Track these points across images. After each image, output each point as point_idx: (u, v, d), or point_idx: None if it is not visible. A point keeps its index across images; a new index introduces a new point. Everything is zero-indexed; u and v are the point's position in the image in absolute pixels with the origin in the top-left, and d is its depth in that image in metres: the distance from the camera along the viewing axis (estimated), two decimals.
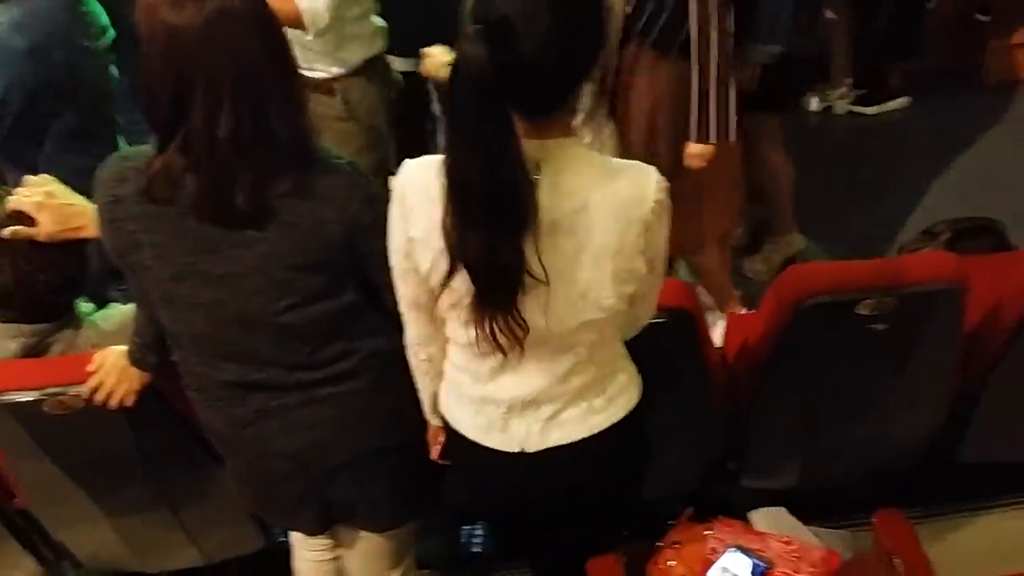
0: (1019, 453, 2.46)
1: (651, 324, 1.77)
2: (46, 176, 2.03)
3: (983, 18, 4.44)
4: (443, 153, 1.40)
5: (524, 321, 1.46)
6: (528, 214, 1.38)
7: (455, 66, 1.31)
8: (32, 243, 1.99)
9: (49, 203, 1.98)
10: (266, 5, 1.55)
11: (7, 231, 1.97)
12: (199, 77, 1.47)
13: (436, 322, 1.61)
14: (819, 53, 3.09)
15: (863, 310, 1.97)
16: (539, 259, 1.41)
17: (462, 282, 1.45)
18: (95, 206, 1.66)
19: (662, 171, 1.50)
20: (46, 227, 1.98)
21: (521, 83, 1.33)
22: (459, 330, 1.56)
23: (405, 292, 1.58)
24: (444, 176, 1.37)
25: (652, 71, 2.82)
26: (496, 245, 1.37)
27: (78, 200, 1.98)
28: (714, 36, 2.66)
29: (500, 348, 1.50)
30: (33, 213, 1.97)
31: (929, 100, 4.38)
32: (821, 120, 4.36)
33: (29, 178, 2.03)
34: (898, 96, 4.39)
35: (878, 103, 4.39)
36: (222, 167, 1.51)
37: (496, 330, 1.46)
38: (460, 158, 1.35)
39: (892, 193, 3.84)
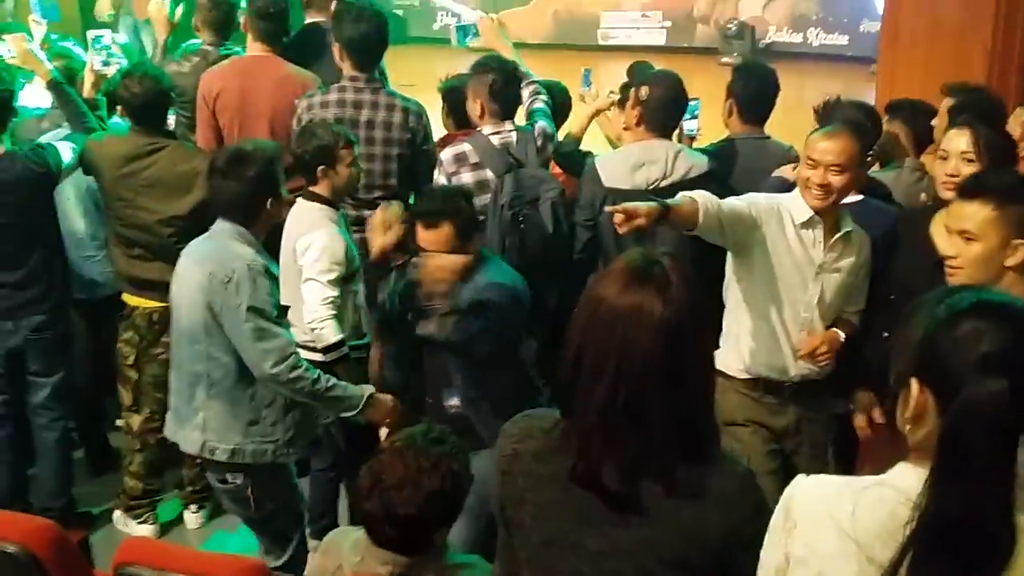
0: None
1: None
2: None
3: None
4: (908, 484, 1.35)
5: None
6: (1010, 554, 1.29)
7: (957, 408, 1.28)
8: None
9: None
10: (700, 321, 1.59)
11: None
12: (591, 347, 1.56)
13: None
14: None
15: None
16: None
17: None
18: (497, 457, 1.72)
19: None
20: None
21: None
22: None
23: None
24: (914, 509, 1.31)
25: None
26: None
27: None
28: None
29: None
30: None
31: None
32: None
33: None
34: None
35: None
36: (589, 438, 1.56)
37: None
38: (955, 493, 1.29)
39: None
